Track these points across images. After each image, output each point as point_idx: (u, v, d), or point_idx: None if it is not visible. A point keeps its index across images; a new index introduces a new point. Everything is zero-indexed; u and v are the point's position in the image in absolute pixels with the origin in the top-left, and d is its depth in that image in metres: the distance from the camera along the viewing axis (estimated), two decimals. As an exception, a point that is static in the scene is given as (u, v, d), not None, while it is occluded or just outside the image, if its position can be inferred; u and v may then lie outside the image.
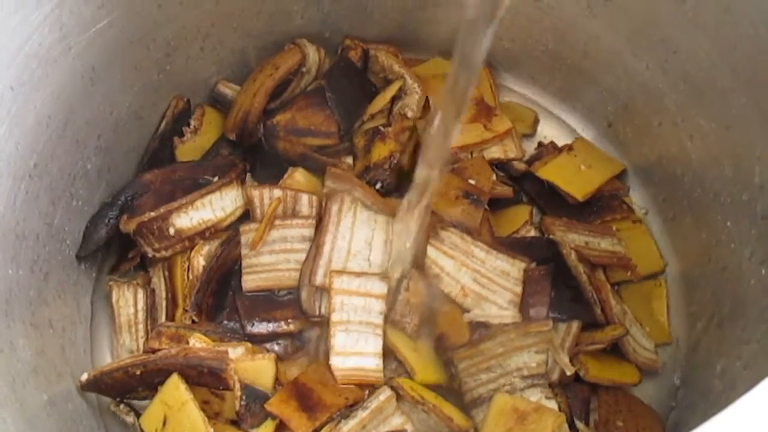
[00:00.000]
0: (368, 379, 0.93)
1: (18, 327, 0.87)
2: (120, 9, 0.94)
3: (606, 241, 1.05)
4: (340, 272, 0.95)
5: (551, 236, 1.02)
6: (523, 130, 1.18)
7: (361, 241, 0.97)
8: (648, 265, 1.07)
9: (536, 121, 1.20)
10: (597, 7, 1.04)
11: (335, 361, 0.93)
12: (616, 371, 1.00)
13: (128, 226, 0.99)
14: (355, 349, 0.94)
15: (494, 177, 1.08)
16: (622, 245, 1.05)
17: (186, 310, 0.99)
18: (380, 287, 0.95)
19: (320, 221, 0.99)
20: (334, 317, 0.94)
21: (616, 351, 1.02)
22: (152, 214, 0.98)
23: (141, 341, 1.01)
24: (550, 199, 1.09)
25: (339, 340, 0.94)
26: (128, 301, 1.02)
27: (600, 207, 1.09)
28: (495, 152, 1.11)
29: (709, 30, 0.89)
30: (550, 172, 1.09)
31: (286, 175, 1.06)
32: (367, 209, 0.99)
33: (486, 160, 1.09)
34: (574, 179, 1.08)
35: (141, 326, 1.02)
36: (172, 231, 0.99)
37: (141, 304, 1.02)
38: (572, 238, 1.03)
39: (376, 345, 0.94)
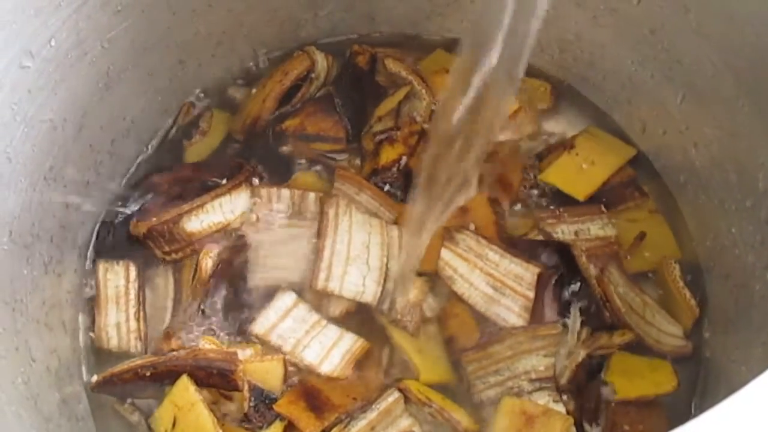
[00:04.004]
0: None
1: (32, 326, 0.88)
2: (135, 15, 0.96)
3: (595, 224, 1.04)
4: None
5: (562, 239, 1.02)
6: (541, 105, 1.15)
7: (359, 245, 0.98)
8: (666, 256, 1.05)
9: (553, 94, 1.16)
10: (603, 18, 1.05)
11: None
12: (648, 381, 0.95)
13: (139, 229, 1.00)
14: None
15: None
16: (612, 226, 1.04)
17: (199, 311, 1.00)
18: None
19: (319, 225, 1.00)
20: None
21: (641, 349, 0.98)
22: (163, 217, 0.99)
23: (132, 311, 0.99)
24: (558, 194, 1.08)
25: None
26: (118, 274, 1.01)
27: (610, 198, 1.07)
28: (508, 133, 1.10)
29: (713, 39, 0.90)
30: (551, 175, 1.08)
31: (294, 175, 1.08)
32: (361, 213, 1.01)
33: (519, 154, 1.08)
34: (576, 180, 1.07)
35: (132, 298, 1.00)
36: (183, 234, 0.99)
37: (132, 277, 1.01)
38: (561, 230, 1.03)
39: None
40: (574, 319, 0.96)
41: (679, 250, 1.06)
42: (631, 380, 0.96)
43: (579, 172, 1.08)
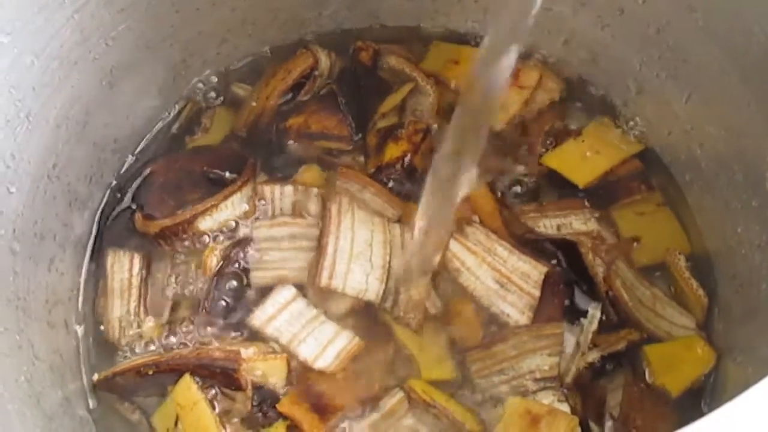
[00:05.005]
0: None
1: (35, 325, 0.88)
2: (139, 14, 0.96)
3: (578, 219, 1.03)
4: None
5: (569, 238, 1.01)
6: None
7: (362, 242, 0.98)
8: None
9: (566, 84, 1.16)
10: (608, 17, 1.05)
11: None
12: (691, 363, 0.94)
13: (151, 228, 1.00)
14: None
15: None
16: (594, 221, 1.03)
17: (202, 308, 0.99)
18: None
19: (321, 222, 1.00)
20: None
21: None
22: (178, 218, 0.99)
23: (132, 305, 0.99)
24: (563, 185, 1.07)
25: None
26: (123, 266, 1.01)
27: (616, 189, 1.06)
28: (545, 99, 1.11)
29: (719, 37, 0.90)
30: (553, 159, 1.08)
31: (298, 172, 1.07)
32: (363, 210, 1.01)
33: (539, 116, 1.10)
34: (578, 166, 1.06)
35: (135, 290, 1.00)
36: (196, 232, 1.00)
37: (136, 269, 1.00)
38: (544, 224, 1.02)
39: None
40: (590, 320, 0.95)
41: (689, 244, 1.05)
42: (678, 369, 0.94)
43: (582, 159, 1.07)
